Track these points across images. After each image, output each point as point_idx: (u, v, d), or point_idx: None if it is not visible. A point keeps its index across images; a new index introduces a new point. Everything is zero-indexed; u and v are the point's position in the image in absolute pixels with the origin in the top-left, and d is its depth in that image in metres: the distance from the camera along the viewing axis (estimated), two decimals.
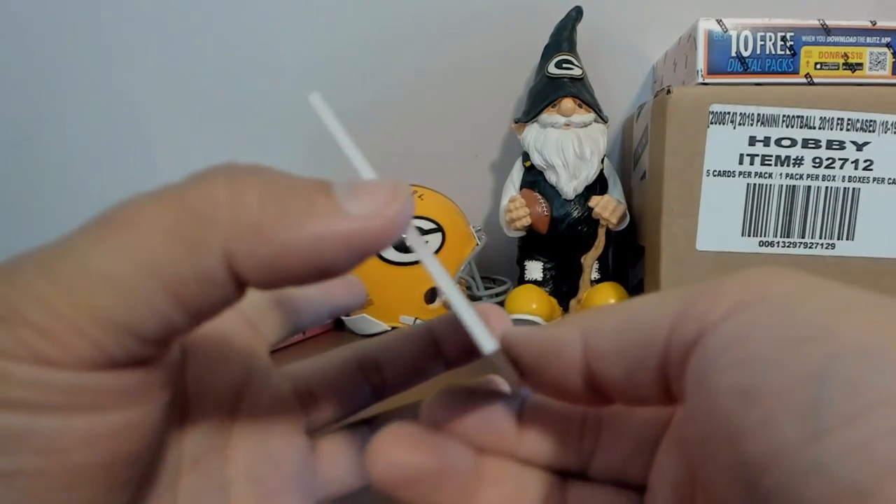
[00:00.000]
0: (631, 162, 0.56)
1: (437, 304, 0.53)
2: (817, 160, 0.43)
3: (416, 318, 0.53)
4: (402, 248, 0.52)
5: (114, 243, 0.11)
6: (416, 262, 0.51)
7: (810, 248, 0.44)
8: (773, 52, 0.45)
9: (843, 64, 0.44)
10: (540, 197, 0.51)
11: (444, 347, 0.18)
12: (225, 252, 0.11)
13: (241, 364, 0.16)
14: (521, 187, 0.53)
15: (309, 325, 0.19)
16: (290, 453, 0.17)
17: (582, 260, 0.52)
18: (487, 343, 0.13)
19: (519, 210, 0.51)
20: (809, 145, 0.42)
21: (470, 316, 0.13)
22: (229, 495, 0.15)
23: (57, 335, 0.10)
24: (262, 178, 0.12)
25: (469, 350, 0.18)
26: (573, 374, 0.13)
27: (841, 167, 0.43)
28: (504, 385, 0.17)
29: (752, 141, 0.43)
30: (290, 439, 0.17)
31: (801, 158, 0.43)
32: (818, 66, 0.45)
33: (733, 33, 0.45)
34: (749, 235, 0.44)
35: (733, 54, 0.45)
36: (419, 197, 0.54)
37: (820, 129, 0.42)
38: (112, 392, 0.11)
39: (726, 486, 0.10)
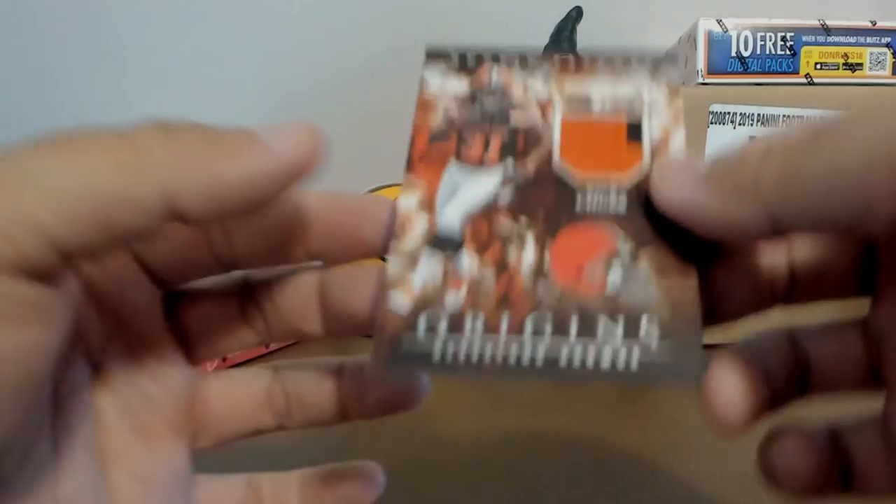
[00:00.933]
0: None
1: None
2: None
3: None
4: None
5: (59, 158, 0.11)
6: None
7: None
8: (773, 52, 0.45)
9: (843, 64, 0.44)
10: None
11: (330, 304, 0.17)
12: (165, 184, 0.12)
13: (114, 297, 0.16)
14: None
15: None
16: (164, 387, 0.17)
17: None
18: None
19: None
20: None
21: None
22: (104, 426, 0.16)
23: None
24: (195, 125, 0.13)
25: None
26: (759, 239, 0.14)
27: None
28: None
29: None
30: (164, 373, 0.17)
31: None
32: (818, 66, 0.45)
33: (733, 33, 0.45)
34: None
35: (733, 54, 0.45)
36: None
37: None
38: (22, 302, 0.11)
39: None
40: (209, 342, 0.18)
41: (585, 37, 0.54)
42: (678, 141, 0.16)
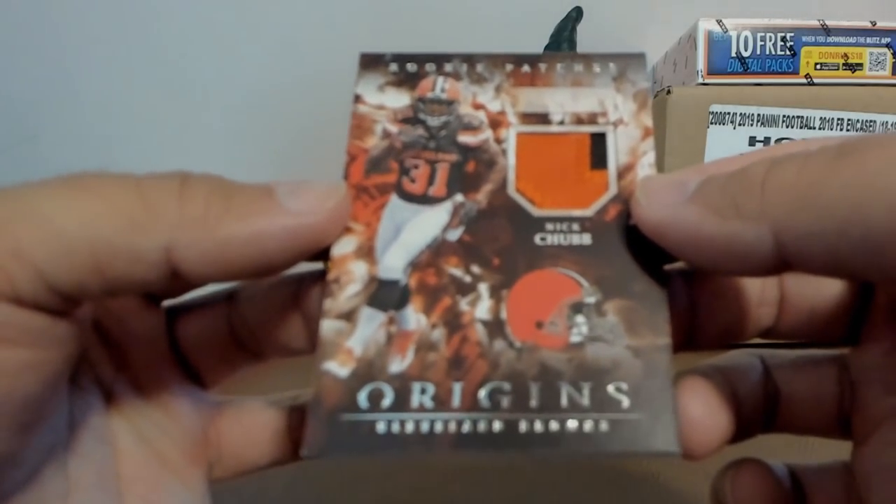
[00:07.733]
0: None
1: None
2: None
3: None
4: None
5: (65, 199, 0.11)
6: None
7: None
8: (773, 52, 0.45)
9: (843, 64, 0.44)
10: None
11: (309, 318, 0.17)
12: (167, 242, 0.12)
13: (117, 328, 0.16)
14: None
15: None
16: (175, 418, 0.16)
17: None
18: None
19: None
20: None
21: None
22: (120, 452, 0.15)
23: None
24: (212, 180, 0.13)
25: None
26: (757, 273, 0.12)
27: None
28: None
29: (752, 141, 0.43)
30: (175, 403, 0.16)
31: None
32: (818, 67, 0.45)
33: (733, 33, 0.45)
34: None
35: (733, 54, 0.45)
36: None
37: (820, 129, 0.42)
38: (18, 327, 0.11)
39: None
40: (209, 367, 0.17)
41: (585, 37, 0.54)
42: (646, 164, 0.15)
